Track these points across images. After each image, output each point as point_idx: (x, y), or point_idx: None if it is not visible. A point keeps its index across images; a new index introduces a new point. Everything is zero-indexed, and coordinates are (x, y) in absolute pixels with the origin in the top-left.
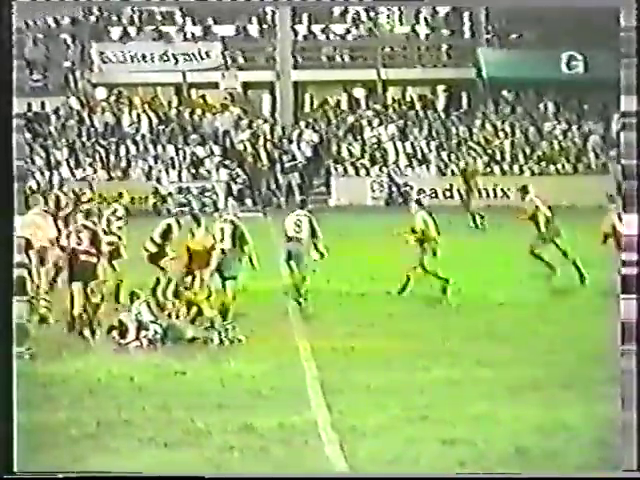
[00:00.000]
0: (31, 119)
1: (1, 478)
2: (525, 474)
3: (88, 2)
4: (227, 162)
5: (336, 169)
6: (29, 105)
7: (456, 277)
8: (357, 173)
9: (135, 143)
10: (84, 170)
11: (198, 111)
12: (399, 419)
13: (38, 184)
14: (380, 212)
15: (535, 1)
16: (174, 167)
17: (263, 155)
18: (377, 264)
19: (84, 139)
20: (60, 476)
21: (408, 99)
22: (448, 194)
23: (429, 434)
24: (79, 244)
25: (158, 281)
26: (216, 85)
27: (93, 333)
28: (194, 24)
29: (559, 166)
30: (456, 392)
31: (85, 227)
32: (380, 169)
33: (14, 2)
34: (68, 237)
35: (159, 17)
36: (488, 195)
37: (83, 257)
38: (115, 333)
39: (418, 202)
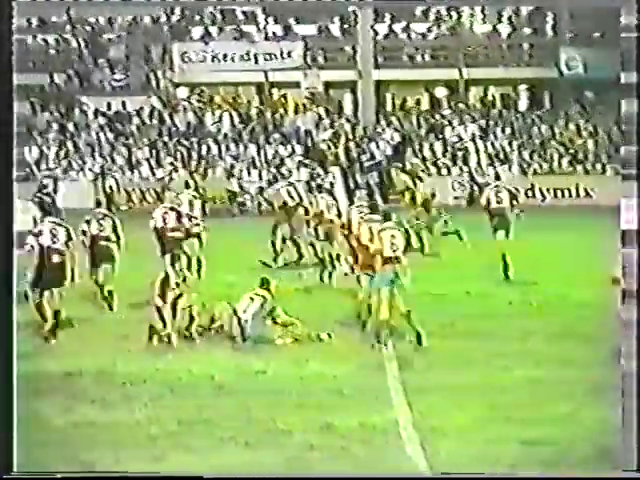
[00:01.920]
0: (112, 118)
1: (1, 478)
2: (526, 474)
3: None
4: (308, 161)
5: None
6: (108, 104)
7: (537, 277)
8: (438, 172)
9: (216, 142)
10: (165, 169)
11: (280, 110)
12: (480, 419)
13: (117, 183)
14: (461, 212)
15: None
16: (255, 166)
17: (344, 155)
18: (457, 264)
19: (165, 138)
20: (59, 476)
21: (490, 98)
22: (530, 194)
23: (510, 434)
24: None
25: None
26: (297, 84)
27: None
28: (276, 23)
29: None
30: (538, 392)
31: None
32: (461, 168)
33: (14, 2)
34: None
35: (241, 16)
36: (570, 195)
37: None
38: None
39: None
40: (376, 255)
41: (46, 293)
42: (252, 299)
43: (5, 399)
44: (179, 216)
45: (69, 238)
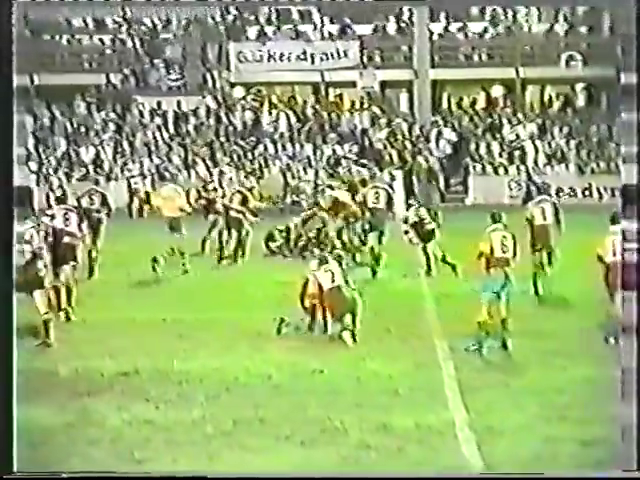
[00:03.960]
0: (168, 118)
1: (1, 478)
2: (526, 474)
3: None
4: (364, 161)
5: (474, 167)
6: (159, 103)
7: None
8: (495, 172)
9: (273, 142)
10: (221, 169)
11: (336, 110)
12: (537, 419)
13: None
14: (517, 211)
15: None
16: (311, 166)
17: (401, 154)
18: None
19: (222, 138)
20: (62, 475)
21: (547, 98)
22: (587, 193)
23: (567, 434)
24: None
25: None
26: (353, 84)
27: None
28: (332, 23)
29: None
30: (594, 392)
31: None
32: (518, 168)
33: (14, 2)
34: None
35: (296, 16)
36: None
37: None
38: None
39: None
40: (483, 256)
41: (59, 270)
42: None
43: (5, 399)
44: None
45: (81, 222)
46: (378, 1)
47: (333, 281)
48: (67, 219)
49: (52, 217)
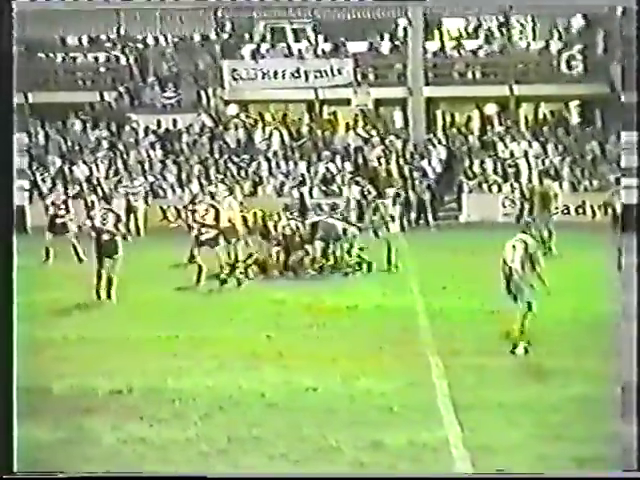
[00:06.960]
0: (162, 136)
1: (1, 478)
2: (525, 474)
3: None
4: (358, 179)
5: (468, 185)
6: (158, 122)
7: (584, 295)
8: (489, 189)
9: (267, 160)
10: (216, 186)
11: (330, 128)
12: (532, 437)
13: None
14: (511, 229)
15: None
16: (305, 183)
17: (394, 171)
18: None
19: (216, 156)
20: (60, 476)
21: (541, 115)
22: (580, 210)
23: (562, 453)
24: None
25: None
26: (348, 102)
27: None
28: (326, 41)
29: None
30: (591, 410)
31: None
32: (512, 185)
33: (14, 2)
34: None
35: (290, 34)
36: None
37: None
38: None
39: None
40: None
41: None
42: (514, 247)
43: (5, 399)
44: None
45: (118, 221)
46: None
47: (512, 261)
48: (104, 219)
49: (92, 218)
